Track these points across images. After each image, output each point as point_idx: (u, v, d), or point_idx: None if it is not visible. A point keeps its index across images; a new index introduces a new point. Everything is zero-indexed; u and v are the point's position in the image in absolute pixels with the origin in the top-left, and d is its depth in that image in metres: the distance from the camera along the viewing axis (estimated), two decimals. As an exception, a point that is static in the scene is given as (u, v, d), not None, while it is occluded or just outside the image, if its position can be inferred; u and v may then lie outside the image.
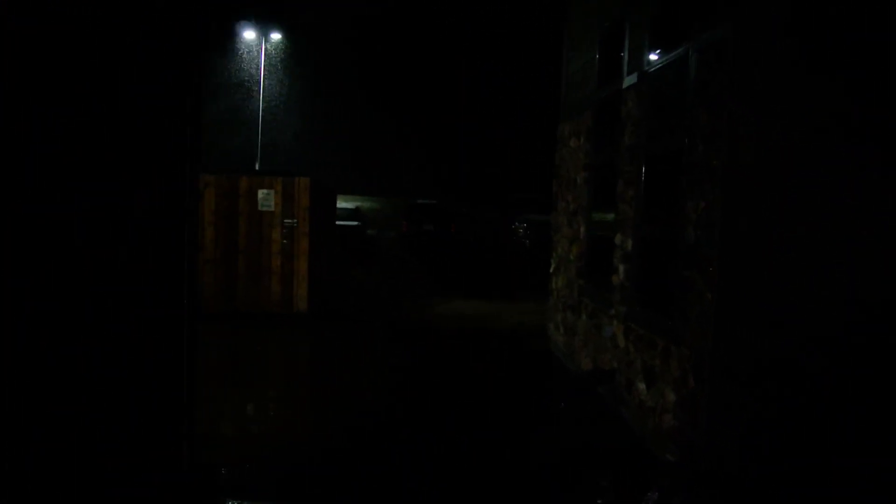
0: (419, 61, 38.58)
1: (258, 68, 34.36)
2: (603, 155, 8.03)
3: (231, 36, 35.98)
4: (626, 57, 7.21)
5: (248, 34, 34.63)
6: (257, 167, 30.70)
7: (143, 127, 3.48)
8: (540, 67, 34.41)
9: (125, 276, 3.34)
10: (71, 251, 3.26)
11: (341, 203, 28.35)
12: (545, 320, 12.47)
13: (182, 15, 3.64)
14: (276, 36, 35.26)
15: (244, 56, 37.14)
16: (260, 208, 12.01)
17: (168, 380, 3.48)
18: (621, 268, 7.06)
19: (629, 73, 7.10)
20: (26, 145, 3.23)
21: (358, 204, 30.68)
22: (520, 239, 27.74)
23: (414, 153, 37.54)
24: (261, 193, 11.99)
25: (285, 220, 12.01)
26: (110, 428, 3.27)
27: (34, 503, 3.02)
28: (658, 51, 6.48)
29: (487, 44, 37.67)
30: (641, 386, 6.31)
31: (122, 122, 3.44)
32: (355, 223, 25.81)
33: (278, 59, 37.87)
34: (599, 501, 5.28)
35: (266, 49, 34.62)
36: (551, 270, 10.45)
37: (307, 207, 12.03)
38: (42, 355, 3.16)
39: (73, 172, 3.32)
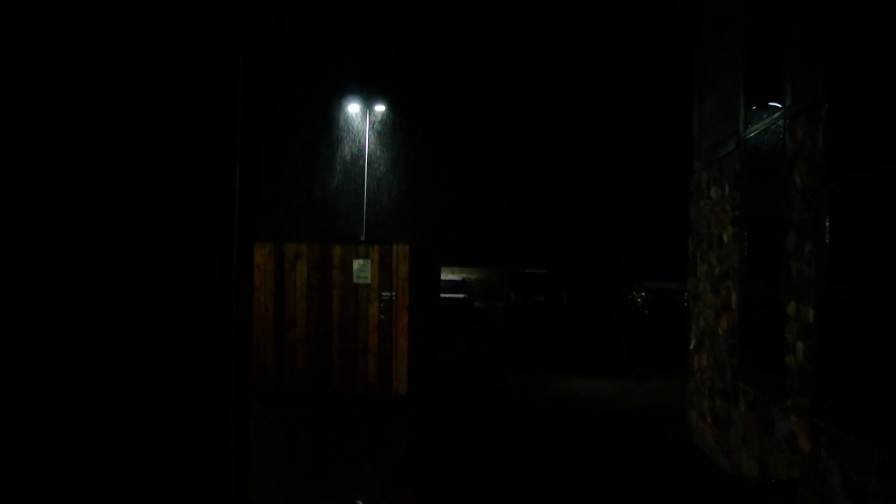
0: (524, 129, 37.76)
1: (364, 140, 34.34)
2: (761, 204, 6.47)
3: (336, 109, 36.29)
4: (790, 76, 5.71)
5: (353, 107, 34.79)
6: (362, 238, 30.23)
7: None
8: (650, 123, 32.86)
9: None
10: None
11: (447, 275, 27.36)
12: (680, 404, 10.71)
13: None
14: (380, 107, 35.29)
15: (350, 128, 37.36)
16: (355, 280, 10.94)
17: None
18: (800, 346, 5.42)
19: (795, 97, 5.60)
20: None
21: (464, 275, 29.59)
22: (638, 308, 25.77)
23: (521, 221, 36.34)
24: (356, 264, 10.94)
25: (383, 293, 10.88)
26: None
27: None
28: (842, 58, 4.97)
29: (595, 104, 36.50)
30: (846, 510, 4.59)
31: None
32: (461, 295, 24.64)
33: (383, 130, 37.90)
34: None
35: (371, 121, 34.64)
36: (691, 347, 8.78)
37: (406, 278, 10.87)
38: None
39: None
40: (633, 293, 26.09)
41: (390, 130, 37.95)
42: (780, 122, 5.91)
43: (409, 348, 10.90)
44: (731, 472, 6.94)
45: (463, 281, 26.15)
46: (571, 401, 11.43)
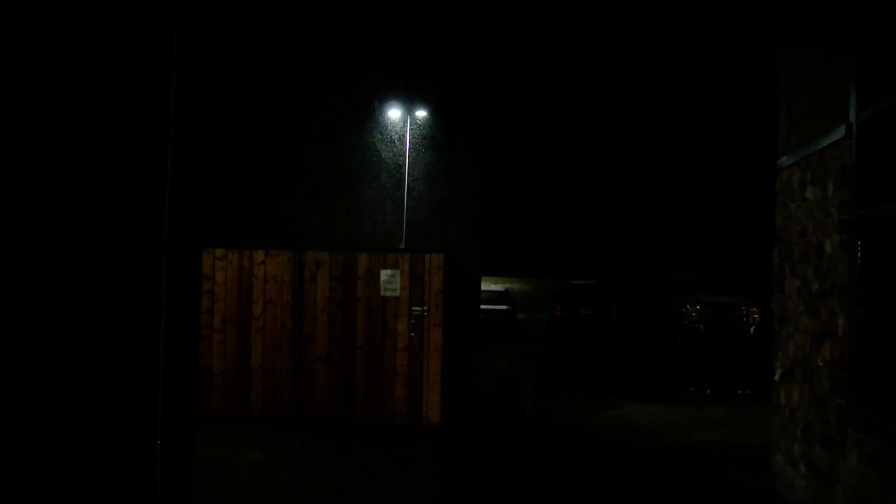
0: (571, 133, 36.33)
1: (403, 147, 33.26)
2: (887, 204, 5.07)
3: (375, 115, 35.33)
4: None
5: (394, 112, 33.73)
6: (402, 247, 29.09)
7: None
8: (714, 121, 31.09)
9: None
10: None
11: (488, 285, 26.07)
12: (749, 440, 9.29)
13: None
14: (421, 113, 34.18)
15: (390, 135, 36.35)
16: (382, 293, 9.72)
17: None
18: (956, 392, 4.03)
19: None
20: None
21: (507, 286, 28.25)
22: (692, 324, 24.12)
23: (569, 230, 34.85)
24: (384, 275, 9.72)
25: (413, 308, 9.64)
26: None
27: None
28: None
29: (645, 99, 34.89)
30: None
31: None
32: (504, 307, 23.29)
33: (425, 136, 36.80)
34: None
35: (412, 128, 33.55)
36: (776, 377, 7.35)
37: (440, 291, 9.62)
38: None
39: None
40: (688, 307, 24.44)
41: (431, 138, 36.85)
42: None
43: (443, 371, 9.64)
44: (841, 542, 5.52)
45: (506, 292, 24.81)
46: (624, 432, 10.03)
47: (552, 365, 18.18)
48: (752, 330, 23.54)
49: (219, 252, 10.02)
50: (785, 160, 7.17)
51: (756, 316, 23.75)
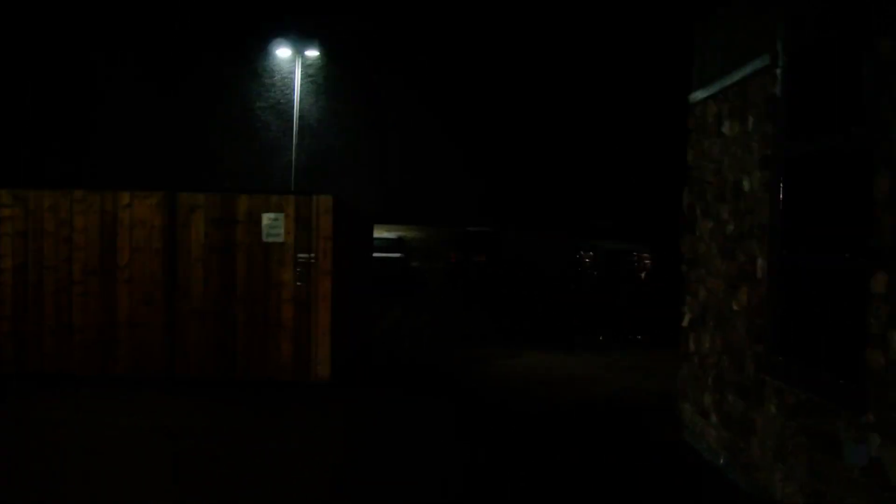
0: (466, 68, 35.54)
1: (293, 85, 31.61)
2: (817, 138, 4.64)
3: (265, 53, 33.46)
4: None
5: (283, 52, 31.94)
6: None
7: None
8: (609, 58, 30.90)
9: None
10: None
11: (381, 233, 25.31)
12: (661, 387, 9.09)
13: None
14: (312, 53, 32.50)
15: (279, 74, 34.58)
16: (265, 239, 8.83)
17: None
18: (895, 337, 3.66)
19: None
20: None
21: (401, 233, 27.57)
22: (586, 270, 24.25)
23: (464, 175, 34.32)
24: (266, 219, 8.82)
25: (300, 255, 8.82)
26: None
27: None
28: None
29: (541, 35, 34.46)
30: None
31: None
32: (397, 255, 22.63)
33: (315, 76, 35.18)
34: None
35: (303, 65, 31.88)
36: (685, 323, 7.02)
37: (329, 237, 8.82)
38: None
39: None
40: (581, 253, 24.54)
41: (324, 77, 35.30)
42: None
43: (333, 322, 8.91)
44: (759, 497, 5.22)
45: (399, 239, 24.13)
46: (528, 383, 9.65)
47: (446, 314, 17.75)
48: (643, 276, 23.87)
49: (77, 193, 8.84)
50: (699, 94, 6.73)
51: (647, 261, 24.07)
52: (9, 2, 29.20)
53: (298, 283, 8.81)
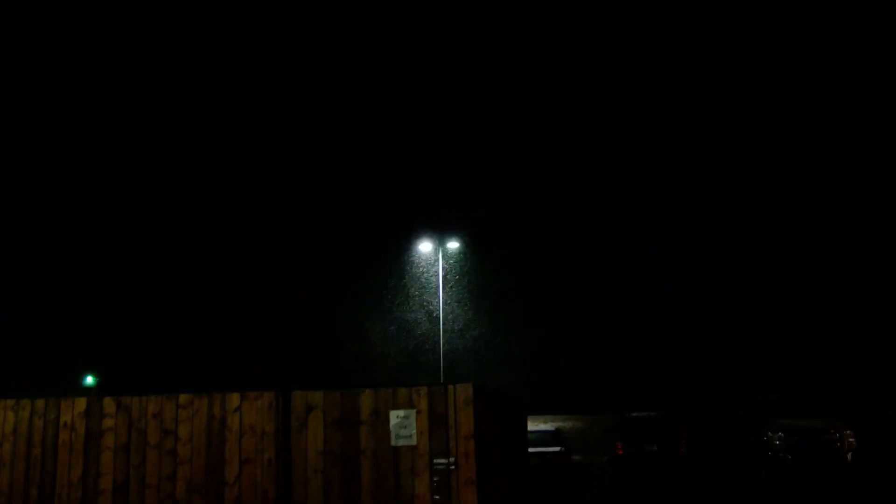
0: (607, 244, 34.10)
1: (436, 279, 31.25)
2: None
3: (407, 248, 33.71)
4: None
5: (424, 246, 31.98)
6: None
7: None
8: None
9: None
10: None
11: (536, 425, 23.15)
12: None
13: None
14: (453, 245, 32.35)
15: (421, 268, 34.54)
16: (394, 442, 7.25)
17: None
18: None
19: None
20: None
21: (558, 425, 25.25)
22: (777, 454, 20.73)
23: (618, 359, 31.87)
24: (394, 417, 7.28)
25: (436, 462, 7.13)
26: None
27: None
28: None
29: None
30: None
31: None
32: (556, 449, 20.28)
33: (457, 268, 34.87)
34: None
35: (444, 258, 31.66)
36: None
37: (471, 435, 7.12)
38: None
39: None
40: (769, 435, 21.15)
41: (467, 266, 34.93)
42: None
43: (482, 547, 6.99)
44: None
45: (557, 431, 21.84)
46: None
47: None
48: (848, 457, 20.08)
49: (183, 399, 7.73)
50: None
51: (851, 440, 20.36)
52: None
53: (436, 497, 7.06)
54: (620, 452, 21.33)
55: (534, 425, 21.16)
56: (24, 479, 7.92)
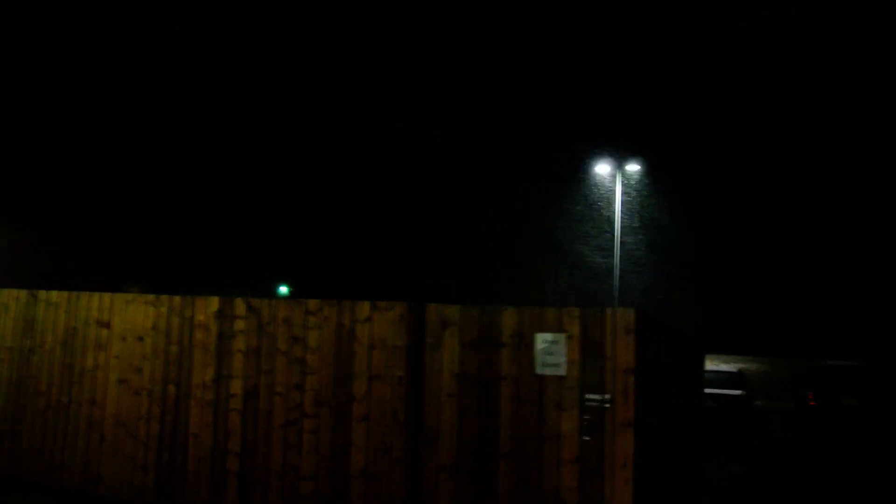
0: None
1: (613, 202, 29.46)
2: None
3: (583, 168, 32.04)
4: None
5: (602, 168, 30.12)
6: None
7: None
8: None
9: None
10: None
11: (716, 364, 21.34)
12: None
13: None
14: (633, 167, 30.23)
15: (597, 189, 32.80)
16: (539, 370, 6.23)
17: None
18: None
19: None
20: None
21: (741, 366, 23.21)
22: None
23: (817, 299, 28.71)
24: (540, 341, 6.24)
25: (588, 397, 6.05)
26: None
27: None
28: None
29: None
30: None
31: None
32: (737, 392, 18.53)
33: (637, 190, 32.75)
34: None
35: (623, 180, 29.71)
36: None
37: (632, 369, 5.96)
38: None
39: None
40: None
41: (647, 190, 32.75)
42: None
43: (636, 496, 5.88)
44: None
45: (739, 373, 19.95)
46: None
47: (807, 475, 13.33)
48: None
49: (312, 304, 7.10)
50: None
51: None
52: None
53: (585, 438, 6.00)
54: (812, 403, 19.14)
55: (713, 365, 19.40)
56: (162, 376, 7.73)
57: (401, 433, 6.58)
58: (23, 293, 8.77)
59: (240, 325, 7.37)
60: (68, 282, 10.43)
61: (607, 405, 5.99)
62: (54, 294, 8.56)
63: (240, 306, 7.41)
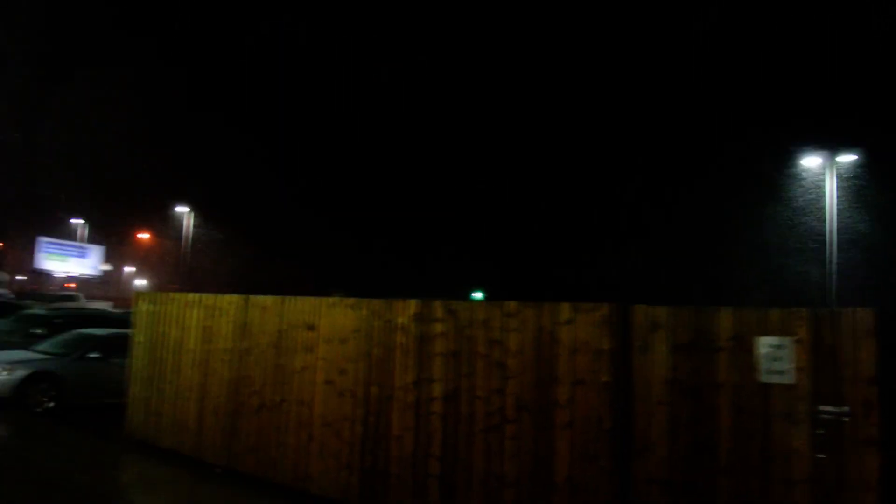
0: None
1: (825, 194, 26.98)
2: None
3: (791, 159, 29.71)
4: None
5: (812, 160, 27.72)
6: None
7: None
8: None
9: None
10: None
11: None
12: None
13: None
14: (845, 158, 27.54)
15: (807, 182, 30.30)
16: (762, 377, 5.63)
17: None
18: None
19: None
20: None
21: None
22: None
23: None
24: (762, 345, 5.64)
25: (822, 409, 5.38)
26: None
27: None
28: None
29: None
30: None
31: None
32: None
33: (853, 180, 29.88)
34: None
35: (835, 174, 27.17)
36: None
37: (873, 378, 5.22)
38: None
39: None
40: None
41: (864, 180, 29.80)
42: None
43: (885, 526, 5.14)
44: None
45: None
46: None
47: None
48: None
49: (510, 306, 6.91)
50: None
51: None
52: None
53: (819, 456, 5.33)
54: None
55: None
56: (364, 378, 7.86)
57: (606, 442, 6.22)
58: (238, 298, 9.31)
59: (438, 327, 7.33)
60: (282, 289, 11.00)
61: (845, 419, 5.29)
62: (265, 298, 9.00)
63: (438, 309, 7.37)
